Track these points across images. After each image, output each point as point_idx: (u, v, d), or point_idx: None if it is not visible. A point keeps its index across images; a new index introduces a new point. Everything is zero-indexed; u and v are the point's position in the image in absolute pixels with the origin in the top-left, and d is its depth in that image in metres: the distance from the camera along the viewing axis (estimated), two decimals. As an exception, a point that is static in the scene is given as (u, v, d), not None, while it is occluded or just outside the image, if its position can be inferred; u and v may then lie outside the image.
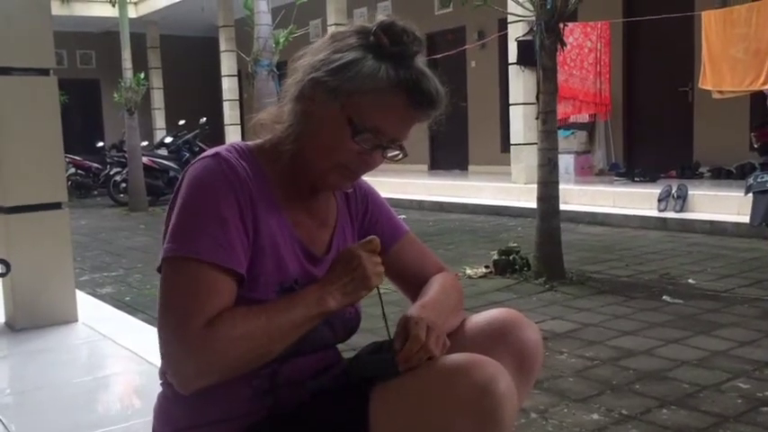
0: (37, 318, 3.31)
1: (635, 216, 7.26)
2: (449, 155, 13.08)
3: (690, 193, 7.20)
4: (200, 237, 1.13)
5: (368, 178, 1.37)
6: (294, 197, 1.27)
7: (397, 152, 1.24)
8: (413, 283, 1.41)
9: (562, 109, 8.55)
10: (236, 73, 14.31)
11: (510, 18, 8.01)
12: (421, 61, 1.22)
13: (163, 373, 1.24)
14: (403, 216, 8.57)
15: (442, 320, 1.24)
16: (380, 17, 1.22)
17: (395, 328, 1.19)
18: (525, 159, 8.95)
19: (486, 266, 4.99)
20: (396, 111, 1.19)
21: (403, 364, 1.13)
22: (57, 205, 3.42)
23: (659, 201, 7.33)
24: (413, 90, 1.18)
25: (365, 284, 1.21)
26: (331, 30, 1.34)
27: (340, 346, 1.34)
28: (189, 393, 1.12)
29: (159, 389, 1.28)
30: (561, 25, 4.74)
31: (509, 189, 9.19)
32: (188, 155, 11.99)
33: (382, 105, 1.18)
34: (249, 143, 1.27)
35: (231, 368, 1.12)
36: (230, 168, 1.18)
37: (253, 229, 1.18)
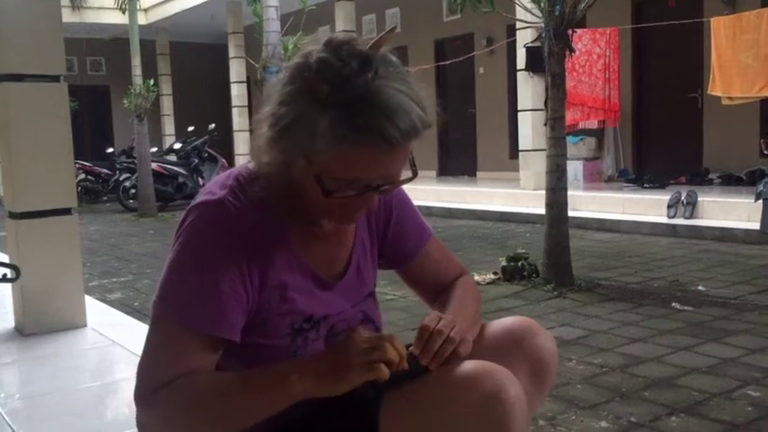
0: (46, 323, 3.32)
1: (644, 222, 7.23)
2: (457, 161, 13.08)
3: (699, 199, 7.17)
4: (186, 302, 1.11)
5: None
6: (306, 221, 1.21)
7: (390, 186, 1.12)
8: (432, 288, 1.40)
9: (571, 115, 8.56)
10: (245, 79, 14.37)
11: (518, 24, 7.98)
12: (382, 74, 1.02)
13: None
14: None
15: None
16: (315, 53, 1.04)
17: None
18: (534, 166, 8.94)
19: (495, 273, 4.98)
20: (364, 159, 1.04)
21: (425, 359, 1.11)
22: (66, 211, 3.44)
23: (669, 207, 7.30)
24: (371, 138, 1.01)
25: (342, 376, 1.00)
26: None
27: None
28: None
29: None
30: (570, 32, 4.74)
31: (518, 195, 9.17)
32: (197, 161, 12.06)
33: (346, 159, 1.03)
34: (257, 171, 1.17)
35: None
36: (230, 221, 1.12)
37: (259, 279, 1.14)
